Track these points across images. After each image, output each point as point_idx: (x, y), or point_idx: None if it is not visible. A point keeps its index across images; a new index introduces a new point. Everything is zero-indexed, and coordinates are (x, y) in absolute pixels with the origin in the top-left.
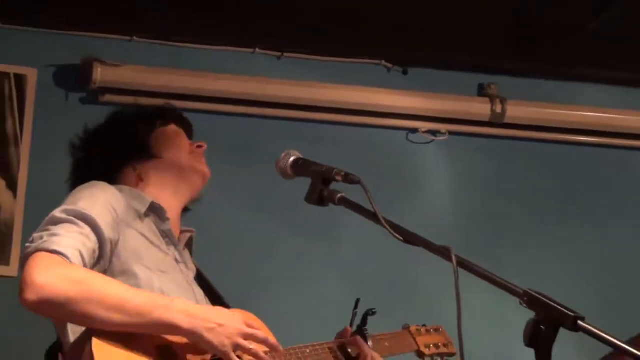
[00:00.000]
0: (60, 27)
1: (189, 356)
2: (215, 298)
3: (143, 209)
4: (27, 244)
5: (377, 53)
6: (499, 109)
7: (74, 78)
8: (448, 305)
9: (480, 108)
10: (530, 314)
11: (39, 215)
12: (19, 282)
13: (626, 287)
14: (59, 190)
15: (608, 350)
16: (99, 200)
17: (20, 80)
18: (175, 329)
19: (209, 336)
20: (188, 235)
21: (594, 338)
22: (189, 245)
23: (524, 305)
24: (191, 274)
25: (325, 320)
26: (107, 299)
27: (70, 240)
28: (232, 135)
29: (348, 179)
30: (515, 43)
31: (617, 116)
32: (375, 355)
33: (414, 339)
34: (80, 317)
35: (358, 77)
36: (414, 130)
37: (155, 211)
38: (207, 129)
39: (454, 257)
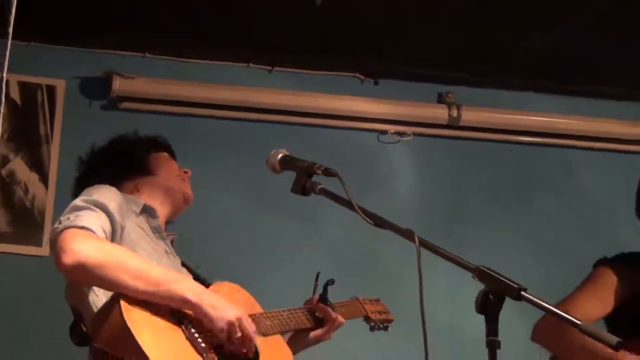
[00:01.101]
0: (84, 45)
1: (197, 320)
2: (199, 282)
3: (138, 210)
4: (54, 226)
5: (352, 66)
6: (455, 114)
7: (96, 88)
8: (411, 279)
9: (440, 113)
10: (481, 286)
11: (66, 205)
12: (55, 251)
13: (560, 258)
14: None
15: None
16: (107, 195)
17: (50, 90)
18: (183, 300)
19: (210, 311)
20: (170, 237)
21: (535, 306)
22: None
23: (476, 278)
24: (178, 263)
25: (307, 292)
26: (130, 268)
27: (93, 219)
28: (230, 136)
29: (327, 172)
30: (470, 58)
31: (555, 120)
32: (339, 316)
33: (363, 307)
34: (107, 281)
35: (336, 87)
36: (384, 132)
37: (147, 211)
38: (208, 131)
39: (416, 239)
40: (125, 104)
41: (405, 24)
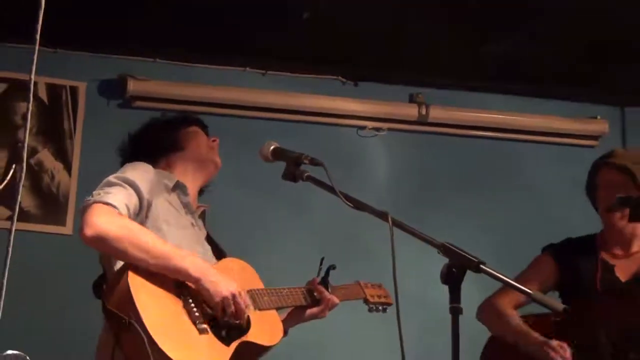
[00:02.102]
0: (103, 52)
1: (197, 293)
2: (220, 253)
3: (171, 185)
4: (87, 198)
5: (335, 71)
6: (424, 112)
7: (113, 89)
8: (387, 255)
9: (410, 111)
10: (446, 260)
11: (87, 189)
12: (80, 222)
13: (510, 238)
14: (102, 171)
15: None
16: (140, 173)
17: (73, 90)
18: (186, 274)
19: (207, 285)
20: (202, 209)
21: (492, 277)
22: (202, 216)
23: (441, 254)
24: (203, 235)
25: (297, 272)
26: (141, 243)
27: (120, 196)
28: (228, 132)
29: (313, 162)
30: (436, 63)
31: (510, 117)
32: (334, 297)
33: (363, 290)
34: (119, 252)
35: (321, 89)
36: (362, 128)
37: (179, 187)
38: (210, 127)
39: (390, 219)
40: (139, 103)
41: (381, 35)
